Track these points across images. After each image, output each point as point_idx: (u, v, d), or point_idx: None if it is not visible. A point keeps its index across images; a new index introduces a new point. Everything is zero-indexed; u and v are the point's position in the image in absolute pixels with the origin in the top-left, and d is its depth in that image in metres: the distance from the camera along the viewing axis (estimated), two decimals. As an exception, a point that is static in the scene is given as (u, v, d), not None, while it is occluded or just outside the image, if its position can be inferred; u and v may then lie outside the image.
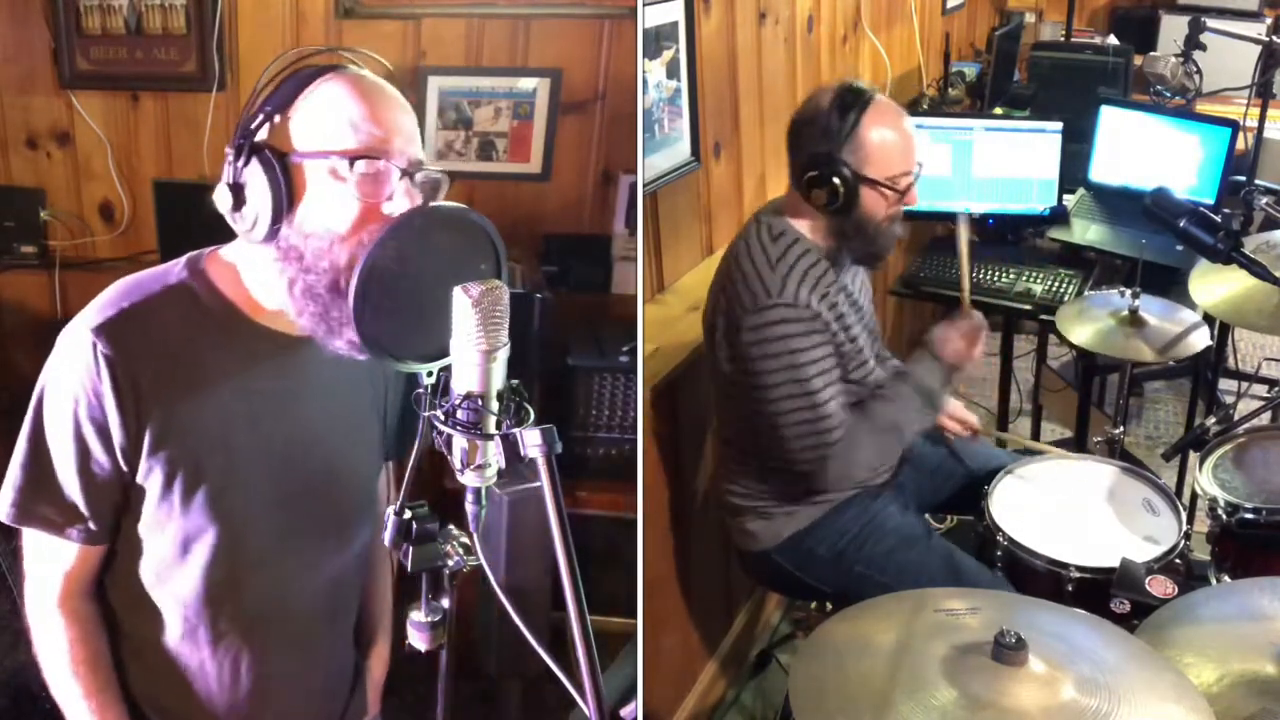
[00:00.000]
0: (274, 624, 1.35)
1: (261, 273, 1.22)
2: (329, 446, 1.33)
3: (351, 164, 1.13)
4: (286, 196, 1.15)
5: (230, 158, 1.17)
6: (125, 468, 1.21)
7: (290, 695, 1.40)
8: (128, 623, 1.32)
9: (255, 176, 1.15)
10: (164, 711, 1.35)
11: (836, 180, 1.82)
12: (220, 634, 1.31)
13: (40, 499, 1.23)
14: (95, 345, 1.17)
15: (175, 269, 1.26)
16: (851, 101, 1.83)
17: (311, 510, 1.33)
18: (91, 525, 1.24)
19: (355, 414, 1.36)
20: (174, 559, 1.27)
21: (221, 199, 1.18)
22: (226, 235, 1.29)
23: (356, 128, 1.15)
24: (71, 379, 1.19)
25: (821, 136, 1.83)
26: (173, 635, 1.31)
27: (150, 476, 1.22)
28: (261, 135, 1.16)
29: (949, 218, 3.01)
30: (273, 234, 1.16)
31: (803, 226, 1.91)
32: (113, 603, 1.32)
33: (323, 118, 1.15)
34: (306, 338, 1.19)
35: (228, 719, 1.35)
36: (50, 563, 1.27)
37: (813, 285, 1.85)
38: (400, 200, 1.15)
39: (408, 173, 1.16)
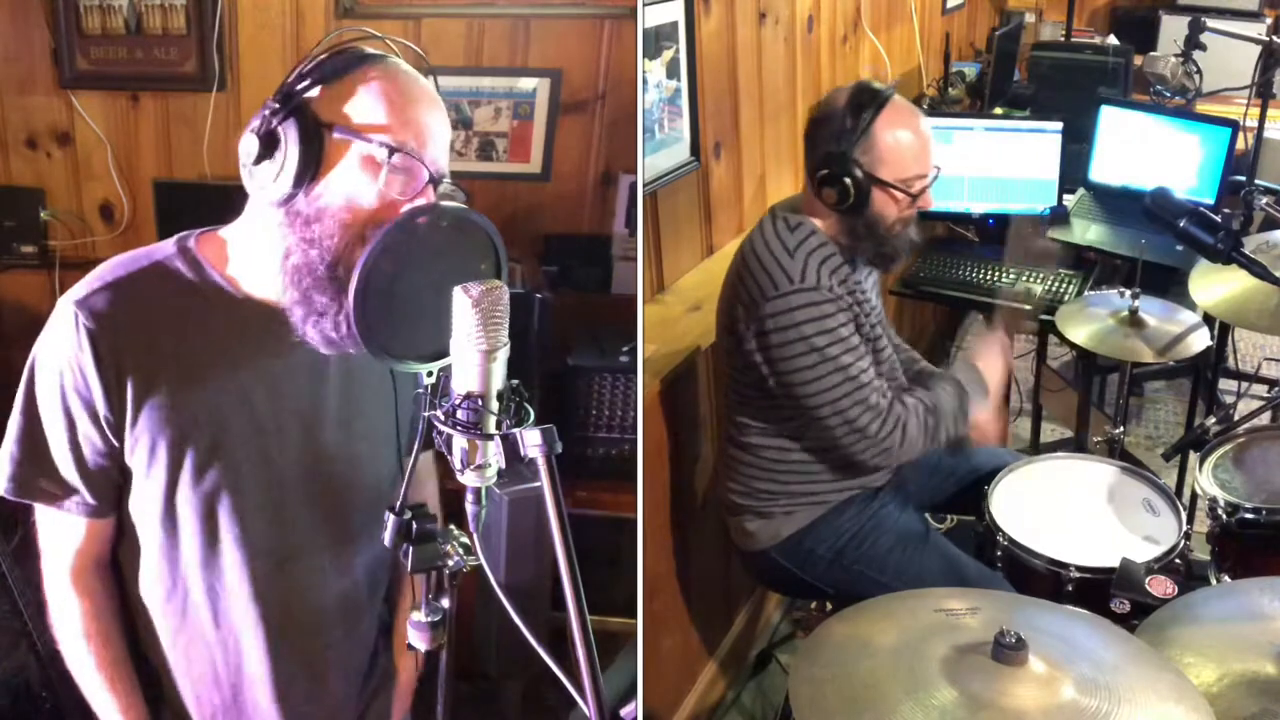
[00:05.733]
0: (284, 611, 1.33)
1: (257, 245, 1.20)
2: (332, 427, 1.30)
3: (391, 154, 1.13)
4: (315, 165, 1.14)
5: (267, 109, 1.15)
6: (115, 442, 1.22)
7: (303, 686, 1.38)
8: (137, 597, 1.33)
9: (290, 135, 1.13)
10: (176, 685, 1.35)
11: (847, 180, 1.81)
12: (223, 615, 1.31)
13: (37, 472, 1.24)
14: (77, 317, 1.18)
15: (164, 247, 1.26)
16: (867, 101, 1.81)
17: (322, 496, 1.31)
18: (89, 499, 1.25)
19: (359, 394, 1.32)
20: (168, 537, 1.27)
21: (247, 147, 1.16)
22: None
23: (399, 124, 1.15)
24: (57, 352, 1.20)
25: (835, 136, 1.82)
26: (178, 612, 1.31)
27: (136, 451, 1.22)
28: (307, 97, 1.15)
29: (949, 217, 3.03)
30: (288, 198, 1.15)
31: (817, 224, 1.90)
32: (126, 576, 1.33)
33: (371, 103, 1.15)
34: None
35: (238, 701, 1.35)
36: (59, 537, 1.29)
37: (832, 270, 1.84)
38: (420, 204, 1.15)
39: (434, 180, 1.17)
